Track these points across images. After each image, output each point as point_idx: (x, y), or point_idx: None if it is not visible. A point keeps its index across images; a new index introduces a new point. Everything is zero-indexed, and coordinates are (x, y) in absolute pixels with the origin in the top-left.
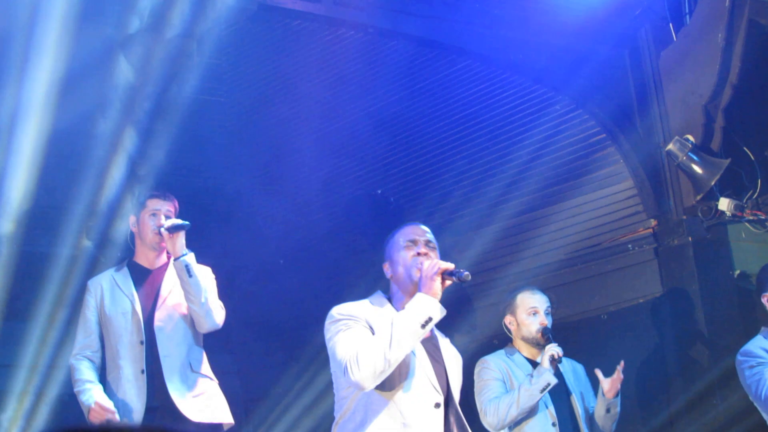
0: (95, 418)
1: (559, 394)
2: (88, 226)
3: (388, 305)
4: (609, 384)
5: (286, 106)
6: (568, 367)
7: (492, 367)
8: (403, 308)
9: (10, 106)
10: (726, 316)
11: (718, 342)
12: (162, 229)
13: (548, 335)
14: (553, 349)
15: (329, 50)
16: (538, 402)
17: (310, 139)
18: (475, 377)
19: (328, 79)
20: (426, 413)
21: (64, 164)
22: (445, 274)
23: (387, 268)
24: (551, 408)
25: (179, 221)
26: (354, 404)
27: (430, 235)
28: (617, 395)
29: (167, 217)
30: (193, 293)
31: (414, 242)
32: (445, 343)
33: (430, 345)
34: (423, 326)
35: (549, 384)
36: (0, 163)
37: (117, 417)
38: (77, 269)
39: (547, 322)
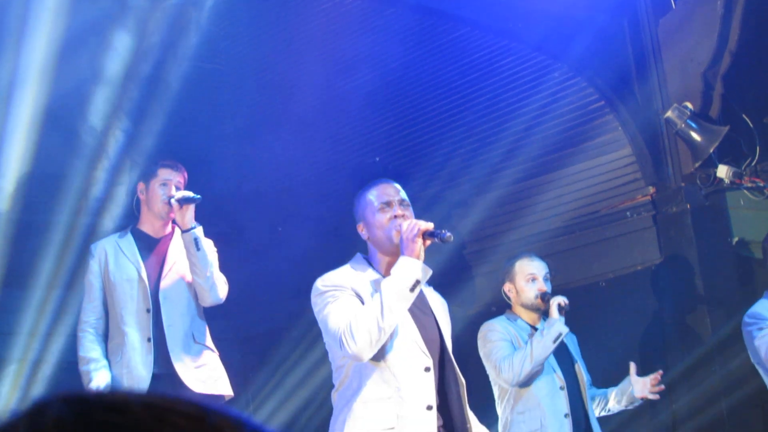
0: None
1: (565, 361)
2: (86, 194)
3: (370, 269)
4: (642, 385)
5: (284, 74)
6: (568, 336)
7: (498, 329)
8: (385, 271)
9: (7, 74)
10: (724, 283)
11: (716, 309)
12: (172, 200)
13: (548, 300)
14: (560, 298)
15: (327, 17)
16: (545, 365)
17: (307, 107)
18: (481, 341)
19: (325, 47)
20: (417, 378)
21: (61, 132)
22: (425, 235)
23: (362, 230)
24: (559, 372)
25: (190, 194)
26: (350, 372)
27: (403, 193)
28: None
29: (177, 188)
30: (199, 266)
31: (388, 204)
32: (430, 294)
33: (417, 304)
34: (412, 290)
35: (561, 333)
36: None
37: None
38: (75, 237)
39: (546, 288)
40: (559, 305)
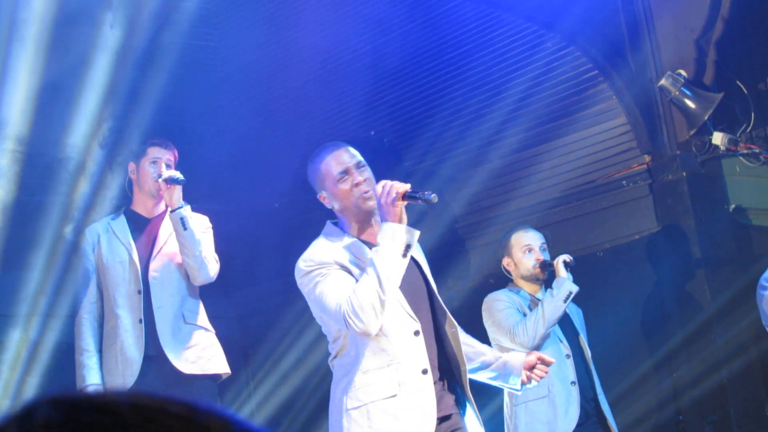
0: None
1: (569, 332)
2: (82, 173)
3: (345, 236)
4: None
5: (277, 48)
6: (573, 308)
7: (503, 298)
8: (358, 233)
9: (1, 52)
10: (722, 250)
11: (714, 276)
12: (160, 180)
13: (547, 268)
14: (564, 255)
15: None
16: (551, 334)
17: (300, 81)
18: (486, 312)
19: (319, 21)
20: (408, 343)
21: (57, 112)
22: (405, 197)
23: (325, 200)
24: (565, 342)
25: (176, 174)
26: (348, 342)
27: (358, 155)
28: None
29: (168, 166)
30: (187, 246)
31: (346, 171)
32: (418, 255)
33: None
34: (404, 255)
35: (571, 292)
36: None
37: None
38: (72, 218)
39: (543, 257)
40: (564, 262)
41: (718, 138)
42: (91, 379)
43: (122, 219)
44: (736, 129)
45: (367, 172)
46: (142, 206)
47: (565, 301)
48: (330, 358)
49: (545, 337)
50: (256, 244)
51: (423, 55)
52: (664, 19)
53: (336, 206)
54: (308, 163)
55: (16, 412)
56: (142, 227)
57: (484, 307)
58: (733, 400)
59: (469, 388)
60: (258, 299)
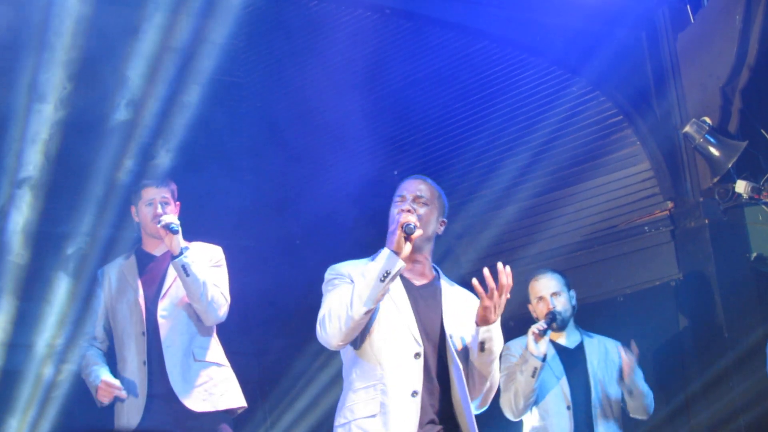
0: (103, 396)
1: (578, 377)
2: (105, 206)
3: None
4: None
5: (303, 87)
6: (596, 347)
7: (512, 353)
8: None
9: (27, 89)
10: (742, 298)
11: (734, 324)
12: (159, 225)
13: (551, 320)
14: (533, 328)
15: (346, 31)
16: (553, 383)
17: (326, 120)
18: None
19: (344, 60)
20: (404, 364)
21: (82, 145)
22: (404, 227)
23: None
24: (567, 391)
25: (172, 223)
26: (347, 363)
27: (423, 189)
28: (632, 376)
29: (164, 204)
30: (192, 291)
31: (402, 198)
32: (449, 289)
33: (423, 295)
34: (382, 280)
35: (536, 369)
36: (18, 142)
37: (124, 393)
38: (94, 250)
39: (554, 305)
40: (533, 335)
41: (741, 186)
42: (103, 374)
43: (132, 260)
44: (759, 177)
45: (424, 207)
46: (150, 245)
47: (533, 377)
48: None
49: (529, 404)
50: (276, 279)
51: (448, 97)
52: (691, 67)
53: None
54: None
55: None
56: (151, 266)
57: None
58: None
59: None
60: (276, 335)
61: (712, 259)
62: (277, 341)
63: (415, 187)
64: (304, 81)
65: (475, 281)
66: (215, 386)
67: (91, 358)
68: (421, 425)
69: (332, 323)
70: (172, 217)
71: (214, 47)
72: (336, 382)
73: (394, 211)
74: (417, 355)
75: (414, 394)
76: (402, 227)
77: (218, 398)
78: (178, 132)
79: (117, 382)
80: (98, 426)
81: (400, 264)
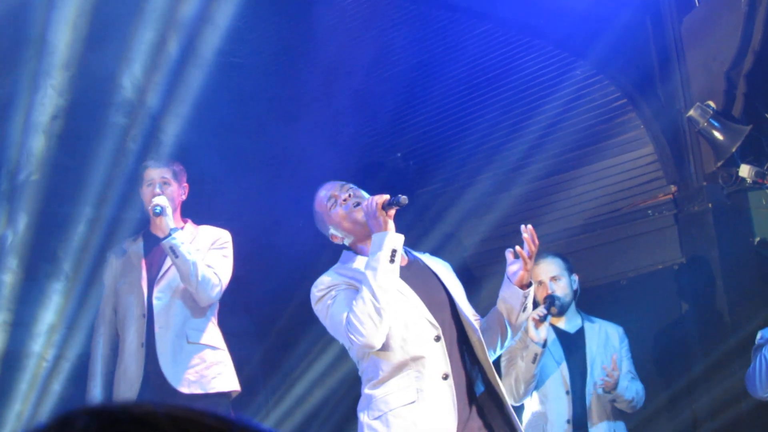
0: None
1: (577, 362)
2: (110, 186)
3: (359, 257)
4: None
5: (307, 71)
6: (596, 332)
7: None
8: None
9: (32, 68)
10: (745, 283)
11: (737, 308)
12: (149, 208)
13: (549, 306)
14: (533, 314)
15: (349, 12)
16: (553, 367)
17: (328, 103)
18: None
19: (348, 43)
20: (428, 349)
21: (86, 126)
22: (384, 206)
23: (336, 239)
24: (566, 375)
25: (157, 205)
26: (368, 360)
27: (340, 183)
28: (612, 389)
29: (163, 184)
30: (182, 271)
31: (333, 197)
32: (429, 260)
33: (415, 275)
34: (392, 260)
35: (536, 355)
36: (22, 123)
37: None
38: (99, 230)
39: (552, 289)
40: (533, 321)
41: (744, 170)
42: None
43: (139, 242)
44: (763, 162)
45: (351, 189)
46: (156, 227)
47: (533, 363)
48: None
49: (531, 388)
50: (278, 261)
51: (451, 79)
52: (695, 51)
53: (343, 235)
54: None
55: (53, 422)
56: (154, 249)
57: None
58: None
59: (502, 390)
60: (278, 317)
61: (715, 244)
62: (278, 323)
63: (331, 185)
64: (305, 64)
65: (518, 248)
66: (207, 369)
67: (96, 364)
68: (457, 408)
69: (366, 324)
70: (159, 199)
71: (216, 28)
72: (338, 364)
73: (338, 211)
74: (437, 338)
75: (445, 377)
76: (388, 205)
77: (209, 381)
78: (182, 113)
79: None
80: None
81: (400, 237)
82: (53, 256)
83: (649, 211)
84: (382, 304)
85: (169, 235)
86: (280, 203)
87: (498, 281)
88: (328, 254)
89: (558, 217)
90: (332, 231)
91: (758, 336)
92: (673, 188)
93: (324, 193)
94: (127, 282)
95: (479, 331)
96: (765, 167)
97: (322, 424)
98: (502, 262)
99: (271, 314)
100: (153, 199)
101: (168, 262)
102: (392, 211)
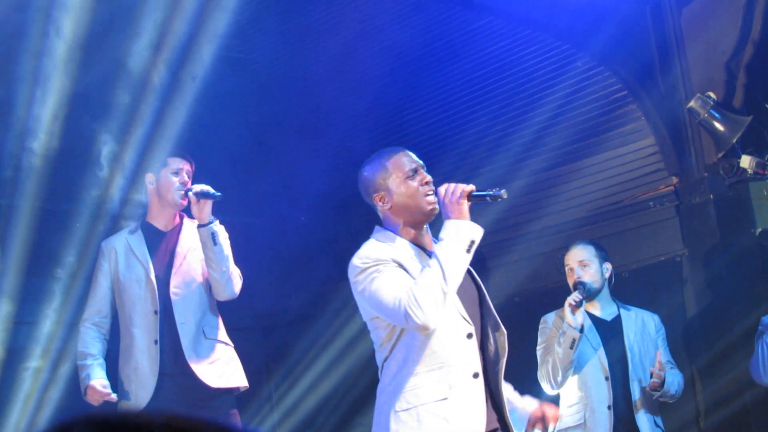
0: (90, 398)
1: (615, 349)
2: (110, 183)
3: (398, 238)
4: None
5: (308, 62)
6: (632, 320)
7: (549, 325)
8: (411, 239)
9: (31, 65)
10: (747, 273)
11: (739, 299)
12: (190, 193)
13: (580, 290)
14: (569, 299)
15: (351, 5)
16: (590, 355)
17: (329, 95)
18: (538, 336)
19: (349, 37)
20: (461, 346)
21: (86, 120)
22: (470, 196)
23: (382, 200)
24: (605, 362)
25: (211, 190)
26: (398, 343)
27: (420, 161)
28: (659, 388)
29: (188, 177)
30: (216, 261)
31: (415, 170)
32: None
33: None
34: (468, 251)
35: (574, 340)
36: (22, 121)
37: (114, 397)
38: (99, 226)
39: (579, 275)
40: (569, 307)
41: (746, 161)
42: (95, 375)
43: (139, 234)
44: (764, 152)
45: (429, 176)
46: (159, 218)
47: (571, 348)
48: (379, 364)
49: (568, 374)
50: (281, 256)
51: (452, 73)
52: (695, 42)
53: (394, 206)
54: (367, 163)
55: (51, 429)
56: (159, 242)
57: (539, 327)
58: (756, 424)
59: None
60: (282, 312)
61: (717, 235)
62: (281, 318)
63: (415, 158)
64: (308, 57)
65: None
66: (227, 363)
67: (88, 344)
68: (488, 409)
69: (428, 305)
70: (203, 185)
71: (221, 19)
72: (342, 359)
73: (412, 185)
74: (469, 335)
75: (475, 375)
76: (477, 196)
77: (231, 376)
78: (184, 108)
79: (106, 387)
80: (102, 407)
81: (481, 230)
82: (54, 252)
83: (651, 203)
84: (449, 290)
85: (211, 222)
86: (285, 198)
87: (499, 274)
88: (332, 251)
89: (559, 209)
90: (385, 194)
91: (760, 323)
92: (675, 180)
93: (406, 159)
94: (133, 277)
95: (504, 331)
96: (766, 158)
97: (326, 418)
98: (503, 255)
99: (275, 310)
100: (199, 185)
101: (181, 255)
102: (468, 203)
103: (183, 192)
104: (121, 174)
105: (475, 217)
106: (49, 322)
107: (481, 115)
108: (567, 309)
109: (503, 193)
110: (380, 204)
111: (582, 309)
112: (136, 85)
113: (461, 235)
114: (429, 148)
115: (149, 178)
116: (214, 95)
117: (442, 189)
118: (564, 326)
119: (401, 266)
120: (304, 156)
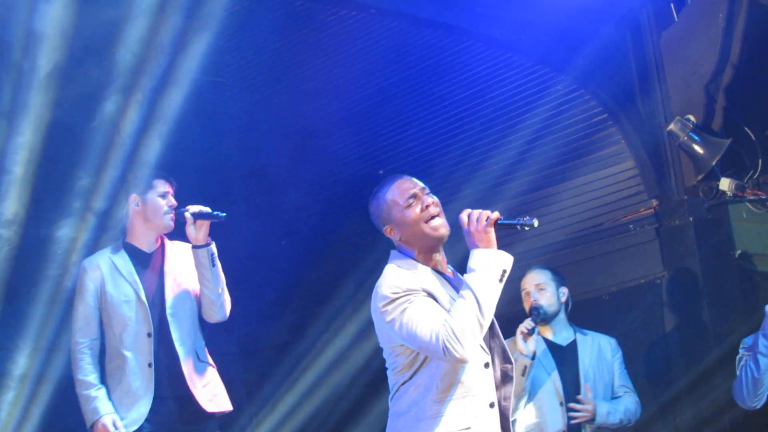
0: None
1: (570, 375)
2: (89, 207)
3: (420, 265)
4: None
5: (287, 89)
6: (588, 345)
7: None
8: (433, 266)
9: (10, 90)
10: (727, 295)
11: (719, 322)
12: (187, 213)
13: (534, 317)
14: (521, 327)
15: (331, 30)
16: (545, 380)
17: (309, 120)
18: None
19: (330, 60)
20: (480, 375)
21: (66, 146)
22: (497, 224)
23: (392, 232)
24: (559, 387)
25: (208, 209)
26: (422, 369)
27: (420, 182)
28: (590, 421)
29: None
30: (213, 282)
31: (414, 197)
32: None
33: None
34: (501, 280)
35: (525, 367)
36: (1, 145)
37: None
38: (78, 251)
39: (535, 298)
40: (521, 335)
41: (725, 184)
42: (104, 409)
43: (123, 254)
44: (743, 175)
45: (433, 198)
46: (142, 240)
47: (523, 375)
48: (394, 386)
49: (524, 400)
50: (261, 281)
51: (433, 95)
52: (675, 65)
53: (403, 236)
54: (371, 199)
55: None
56: (145, 263)
57: None
58: None
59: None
60: (262, 337)
61: (696, 257)
62: (262, 341)
63: (413, 183)
64: (288, 81)
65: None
66: (216, 386)
67: (87, 372)
68: None
69: (467, 338)
70: (199, 206)
71: (198, 47)
72: (321, 384)
73: (414, 212)
74: (486, 364)
75: (492, 405)
76: (504, 224)
77: (219, 400)
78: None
79: (118, 426)
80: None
81: (511, 258)
82: (32, 277)
83: (631, 226)
84: (485, 323)
85: (209, 243)
86: (265, 223)
87: None
88: (312, 280)
89: (540, 232)
90: (392, 227)
91: (742, 344)
92: (655, 202)
93: (404, 186)
94: (122, 297)
95: (511, 360)
96: (745, 180)
97: None
98: None
99: (254, 334)
100: (197, 206)
101: (170, 276)
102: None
103: (172, 214)
104: (99, 198)
105: (455, 243)
106: (27, 348)
107: (462, 138)
108: (519, 337)
109: (534, 222)
110: (392, 236)
111: (534, 336)
112: (112, 113)
113: (492, 265)
114: (409, 172)
115: (133, 198)
116: (193, 119)
117: (464, 215)
118: (515, 354)
119: (431, 295)
120: (286, 181)
